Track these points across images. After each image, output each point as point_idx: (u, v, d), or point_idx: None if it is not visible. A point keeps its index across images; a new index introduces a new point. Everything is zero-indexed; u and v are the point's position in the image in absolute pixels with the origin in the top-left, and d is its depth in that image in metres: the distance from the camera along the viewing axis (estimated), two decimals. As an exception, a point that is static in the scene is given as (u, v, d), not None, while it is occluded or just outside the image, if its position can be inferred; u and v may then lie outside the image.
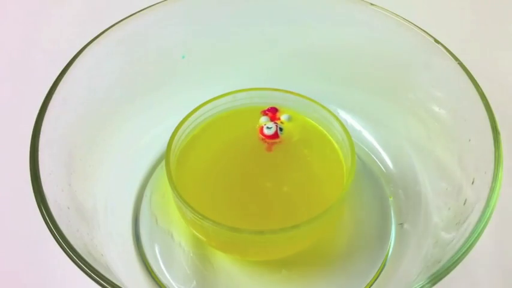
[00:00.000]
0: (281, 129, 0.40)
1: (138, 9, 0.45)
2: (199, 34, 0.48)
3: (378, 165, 0.48)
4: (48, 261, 0.44)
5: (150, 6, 0.45)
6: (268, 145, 0.41)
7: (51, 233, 0.33)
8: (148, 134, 0.48)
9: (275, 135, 0.40)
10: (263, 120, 0.42)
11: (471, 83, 0.39)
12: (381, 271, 0.42)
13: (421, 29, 0.43)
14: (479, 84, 0.39)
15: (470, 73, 0.40)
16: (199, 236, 0.40)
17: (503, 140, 0.36)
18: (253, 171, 0.42)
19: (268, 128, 0.40)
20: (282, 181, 0.41)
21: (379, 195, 0.46)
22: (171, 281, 0.41)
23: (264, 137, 0.40)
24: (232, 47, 0.49)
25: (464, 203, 0.37)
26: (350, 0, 0.44)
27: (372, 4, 0.45)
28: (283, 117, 0.43)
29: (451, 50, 0.42)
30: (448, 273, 0.32)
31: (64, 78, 0.40)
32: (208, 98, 0.44)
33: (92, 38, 0.42)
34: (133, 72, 0.47)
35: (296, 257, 0.42)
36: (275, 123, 0.41)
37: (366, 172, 0.48)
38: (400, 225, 0.44)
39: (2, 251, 0.45)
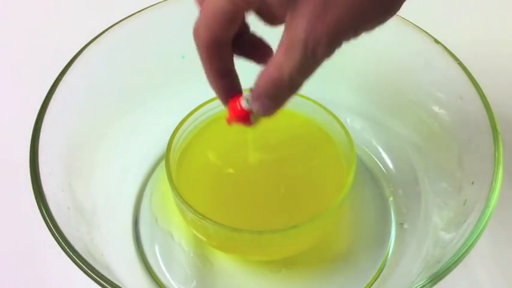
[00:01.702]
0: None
1: (138, 9, 0.45)
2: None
3: (378, 165, 0.48)
4: (48, 261, 0.44)
5: (150, 6, 0.45)
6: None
7: (51, 233, 0.33)
8: (148, 134, 0.48)
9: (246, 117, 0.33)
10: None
11: (471, 83, 0.39)
12: (381, 271, 0.42)
13: (421, 29, 0.43)
14: (479, 84, 0.39)
15: (470, 73, 0.40)
16: (200, 236, 0.40)
17: (503, 140, 0.36)
18: (253, 172, 0.42)
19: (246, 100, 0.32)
20: (282, 181, 0.41)
21: (379, 195, 0.46)
22: (171, 281, 0.41)
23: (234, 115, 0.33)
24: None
25: (464, 203, 0.37)
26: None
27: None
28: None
29: (451, 50, 0.42)
30: (448, 273, 0.32)
31: (64, 78, 0.40)
32: (208, 98, 0.44)
33: (92, 38, 0.42)
34: (133, 72, 0.47)
35: (296, 256, 0.42)
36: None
37: (366, 172, 0.48)
38: (400, 225, 0.44)
39: (2, 250, 0.45)
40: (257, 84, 0.29)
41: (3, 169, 0.50)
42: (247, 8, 0.28)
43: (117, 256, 0.39)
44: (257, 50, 0.33)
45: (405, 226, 0.44)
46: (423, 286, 0.31)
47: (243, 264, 0.43)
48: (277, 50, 0.28)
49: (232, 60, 0.32)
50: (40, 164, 0.36)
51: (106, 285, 0.31)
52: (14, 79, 0.58)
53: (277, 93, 0.29)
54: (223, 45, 0.30)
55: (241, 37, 0.32)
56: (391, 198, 0.46)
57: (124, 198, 0.46)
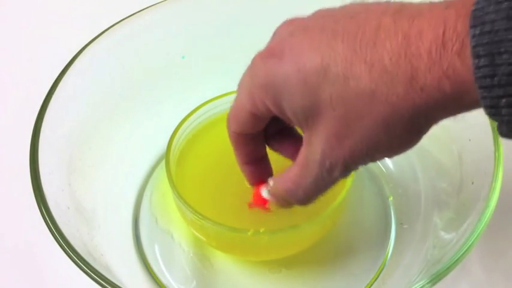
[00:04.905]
0: None
1: (138, 9, 0.45)
2: (199, 34, 0.48)
3: (378, 165, 0.48)
4: (48, 261, 0.44)
5: (150, 6, 0.45)
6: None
7: (51, 233, 0.33)
8: (148, 134, 0.48)
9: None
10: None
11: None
12: (381, 271, 0.42)
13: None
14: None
15: (470, 73, 0.40)
16: (199, 236, 0.40)
17: (503, 140, 0.36)
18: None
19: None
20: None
21: (379, 195, 0.46)
22: (171, 281, 0.41)
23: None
24: (232, 47, 0.49)
25: (464, 203, 0.37)
26: (352, 1, 0.44)
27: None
28: None
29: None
30: (448, 273, 0.32)
31: (64, 78, 0.40)
32: (208, 98, 0.44)
33: (92, 38, 0.42)
34: (133, 72, 0.47)
35: (296, 256, 0.42)
36: None
37: (366, 172, 0.48)
38: (400, 224, 0.44)
39: (2, 250, 0.45)
40: (276, 185, 0.31)
41: (3, 169, 0.50)
42: (268, 114, 0.28)
43: (117, 256, 0.39)
44: (294, 151, 0.32)
45: (405, 226, 0.44)
46: (423, 286, 0.31)
47: (243, 264, 0.43)
48: (296, 164, 0.29)
49: (261, 150, 0.33)
50: (40, 164, 0.36)
51: (106, 285, 0.31)
52: (14, 79, 0.58)
53: (291, 201, 0.31)
54: (250, 137, 0.31)
55: (280, 135, 0.33)
56: (391, 198, 0.46)
57: (124, 198, 0.46)
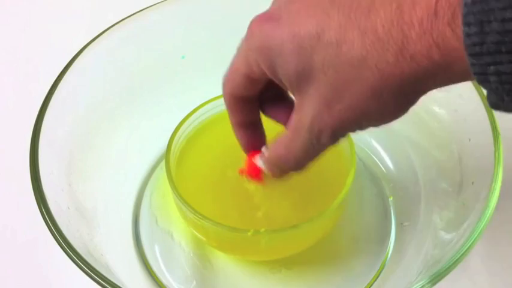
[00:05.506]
0: None
1: (139, 9, 0.45)
2: (199, 34, 0.48)
3: (378, 165, 0.48)
4: (48, 261, 0.44)
5: (150, 6, 0.45)
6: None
7: (51, 233, 0.33)
8: (148, 134, 0.48)
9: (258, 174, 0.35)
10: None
11: (471, 82, 0.39)
12: (381, 271, 0.42)
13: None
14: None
15: (470, 73, 0.40)
16: (200, 236, 0.40)
17: (503, 140, 0.36)
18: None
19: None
20: (282, 181, 0.41)
21: (379, 195, 0.46)
22: (171, 281, 0.41)
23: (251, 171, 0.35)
24: (232, 47, 0.49)
25: (464, 203, 0.37)
26: None
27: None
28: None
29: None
30: (448, 273, 0.32)
31: (64, 78, 0.40)
32: (208, 98, 0.44)
33: (92, 38, 0.42)
34: (133, 73, 0.47)
35: (296, 256, 0.42)
36: None
37: (366, 172, 0.48)
38: (400, 224, 0.44)
39: (2, 250, 0.45)
40: (269, 152, 0.32)
41: (3, 169, 0.50)
42: (262, 77, 0.29)
43: (117, 256, 0.39)
44: (288, 117, 0.31)
45: (405, 226, 0.44)
46: (423, 286, 0.31)
47: (243, 264, 0.43)
48: (287, 129, 0.29)
49: (256, 115, 0.33)
50: (40, 164, 0.36)
51: (106, 285, 0.31)
52: (14, 79, 0.58)
53: (283, 167, 0.32)
54: (245, 100, 0.32)
55: (274, 101, 0.33)
56: (391, 198, 0.46)
57: (124, 198, 0.46)
